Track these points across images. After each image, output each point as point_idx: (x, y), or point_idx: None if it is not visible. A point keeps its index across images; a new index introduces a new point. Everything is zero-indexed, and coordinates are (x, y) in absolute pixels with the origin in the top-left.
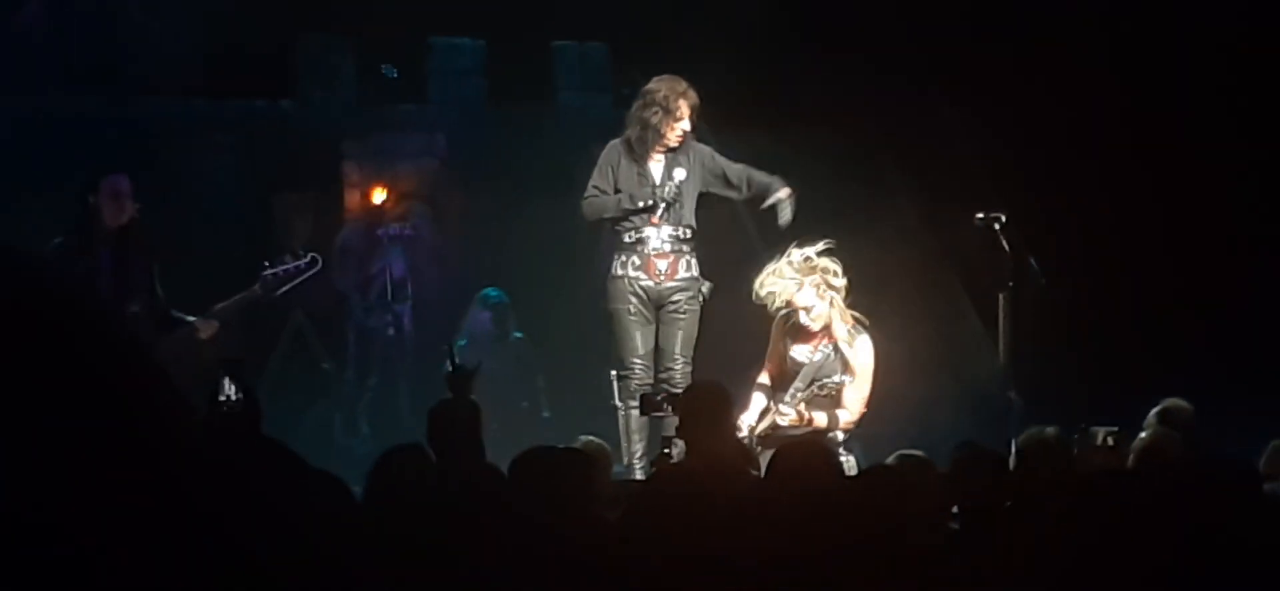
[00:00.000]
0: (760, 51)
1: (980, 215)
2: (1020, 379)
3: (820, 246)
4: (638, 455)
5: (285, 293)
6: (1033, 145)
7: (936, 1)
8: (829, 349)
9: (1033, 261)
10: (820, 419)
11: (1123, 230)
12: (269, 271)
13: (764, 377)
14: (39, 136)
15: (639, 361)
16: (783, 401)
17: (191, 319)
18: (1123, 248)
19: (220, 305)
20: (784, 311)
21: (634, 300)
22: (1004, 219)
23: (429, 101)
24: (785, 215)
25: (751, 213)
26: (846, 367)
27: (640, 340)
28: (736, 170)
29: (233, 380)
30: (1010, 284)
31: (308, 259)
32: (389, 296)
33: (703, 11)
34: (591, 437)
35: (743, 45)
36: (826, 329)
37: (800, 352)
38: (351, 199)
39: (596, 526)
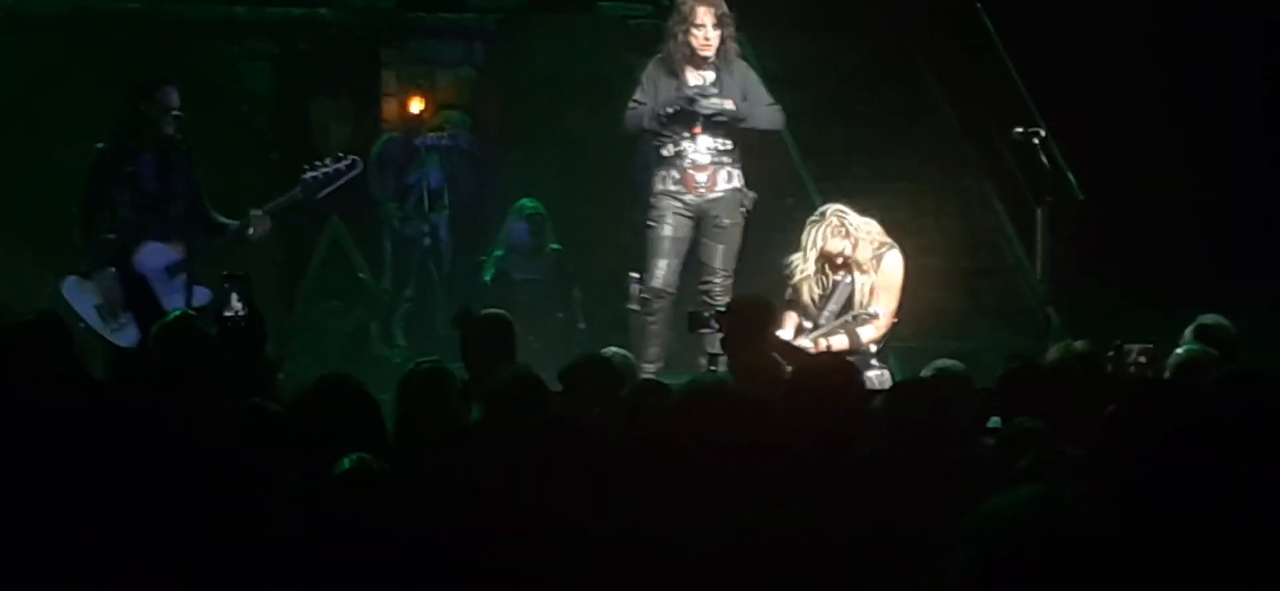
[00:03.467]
0: None
1: (1019, 129)
2: (1058, 294)
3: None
4: (650, 360)
5: (326, 196)
6: (1073, 58)
7: None
8: (851, 277)
9: (1071, 176)
10: (839, 342)
11: (1163, 144)
12: (309, 174)
13: (792, 292)
14: (77, 38)
15: (661, 269)
16: (813, 330)
17: (234, 223)
18: (1162, 162)
19: (269, 205)
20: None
21: (672, 219)
22: (1043, 133)
23: (468, 9)
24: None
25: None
26: (873, 287)
27: (668, 250)
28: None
29: (239, 296)
30: (1048, 198)
31: (348, 161)
32: (426, 206)
33: None
34: (617, 349)
35: None
36: (847, 261)
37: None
38: (389, 107)
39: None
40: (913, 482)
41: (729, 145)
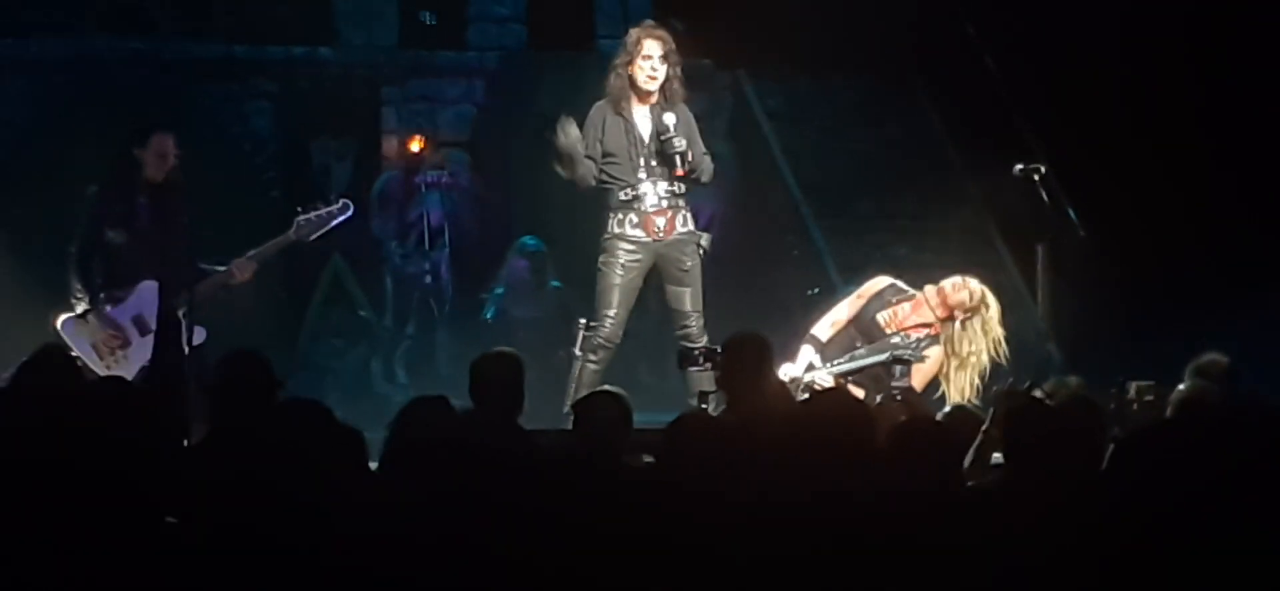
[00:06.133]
0: None
1: (1020, 165)
2: (1059, 331)
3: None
4: None
5: (320, 237)
6: (1074, 94)
7: None
8: (917, 339)
9: (1072, 213)
10: (858, 395)
11: (1162, 182)
12: (302, 216)
13: (821, 329)
14: (81, 78)
15: (610, 319)
16: (836, 362)
17: (220, 268)
18: (1162, 200)
19: (254, 250)
20: (886, 287)
21: (627, 263)
22: (1043, 170)
23: (469, 48)
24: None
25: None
26: (918, 361)
27: (618, 300)
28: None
29: None
30: (1049, 235)
31: (339, 204)
32: (427, 244)
33: None
34: (609, 387)
35: None
36: (928, 325)
37: (884, 318)
38: (390, 146)
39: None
40: (919, 517)
41: (682, 188)
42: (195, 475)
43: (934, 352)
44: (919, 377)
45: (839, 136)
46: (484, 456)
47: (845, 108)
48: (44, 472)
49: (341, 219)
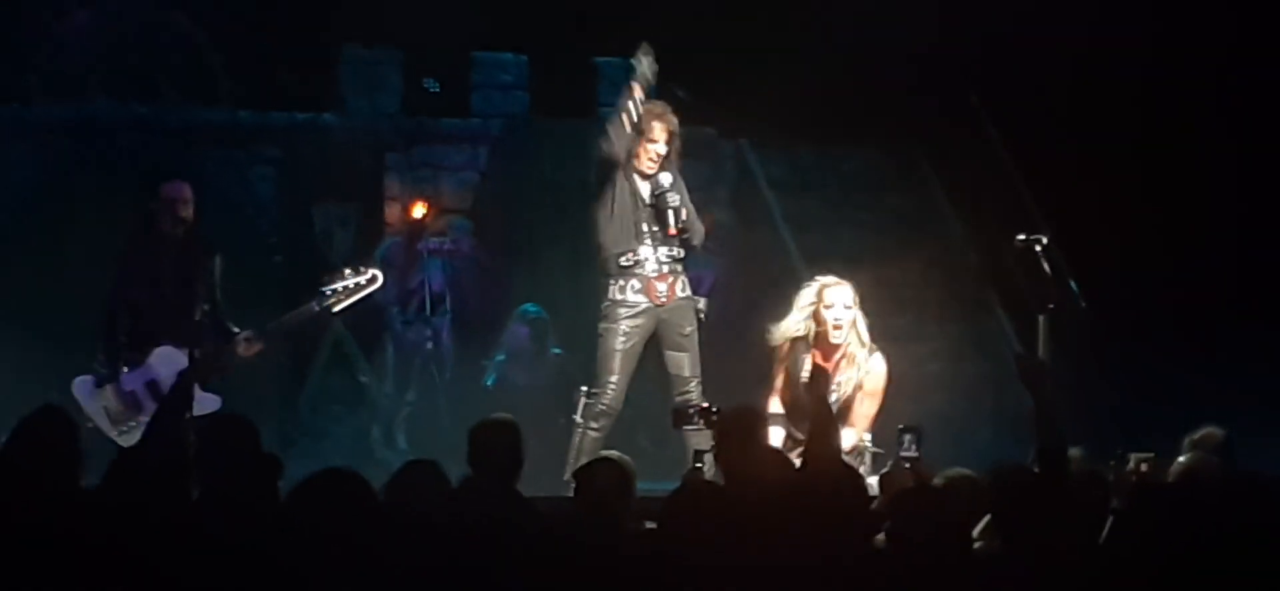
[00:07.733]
0: (806, 68)
1: (1021, 237)
2: (1060, 402)
3: (830, 280)
4: None
5: (343, 310)
6: (1076, 165)
7: (981, 22)
8: (843, 375)
9: (1073, 284)
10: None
11: (1164, 255)
12: (328, 287)
13: (775, 404)
14: (84, 143)
15: (612, 385)
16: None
17: (237, 332)
18: (1164, 272)
19: (276, 321)
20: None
21: (628, 330)
22: (1045, 241)
23: (472, 115)
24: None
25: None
26: (859, 386)
27: (620, 366)
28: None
29: None
30: (1050, 306)
31: (368, 276)
32: (428, 310)
33: (748, 29)
34: (612, 452)
35: (788, 62)
36: (842, 354)
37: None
38: (392, 212)
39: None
40: (917, 583)
41: (682, 254)
42: (184, 541)
43: (871, 380)
44: (858, 434)
45: (841, 206)
46: (481, 526)
47: (848, 177)
48: (30, 540)
49: (369, 291)
